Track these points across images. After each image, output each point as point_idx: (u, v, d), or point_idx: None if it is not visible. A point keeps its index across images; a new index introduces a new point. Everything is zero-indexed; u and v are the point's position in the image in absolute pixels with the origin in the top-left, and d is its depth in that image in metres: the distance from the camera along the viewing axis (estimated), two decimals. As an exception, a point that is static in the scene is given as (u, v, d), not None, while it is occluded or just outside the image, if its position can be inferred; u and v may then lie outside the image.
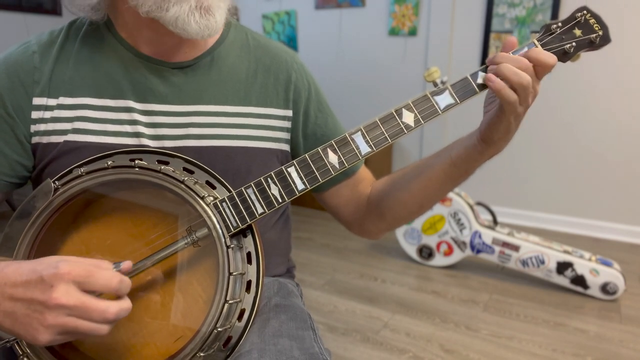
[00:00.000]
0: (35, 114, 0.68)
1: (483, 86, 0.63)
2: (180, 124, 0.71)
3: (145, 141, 0.70)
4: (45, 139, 0.68)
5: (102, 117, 0.69)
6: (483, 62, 2.88)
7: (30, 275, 0.49)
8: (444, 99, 0.63)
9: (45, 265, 0.49)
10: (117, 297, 0.53)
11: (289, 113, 0.78)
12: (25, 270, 0.50)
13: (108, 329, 0.51)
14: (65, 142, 0.68)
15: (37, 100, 0.68)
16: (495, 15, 2.69)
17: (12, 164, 0.69)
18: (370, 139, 0.63)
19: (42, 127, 0.68)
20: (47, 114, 0.68)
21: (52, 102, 0.68)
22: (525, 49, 0.63)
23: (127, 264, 0.55)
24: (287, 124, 0.78)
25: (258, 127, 0.75)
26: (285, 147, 0.79)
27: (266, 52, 0.79)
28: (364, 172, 0.84)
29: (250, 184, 0.63)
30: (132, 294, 0.64)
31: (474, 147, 0.67)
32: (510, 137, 0.66)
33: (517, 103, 0.60)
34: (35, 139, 0.69)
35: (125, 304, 0.52)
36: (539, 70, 0.61)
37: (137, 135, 0.70)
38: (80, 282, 0.49)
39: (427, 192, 0.73)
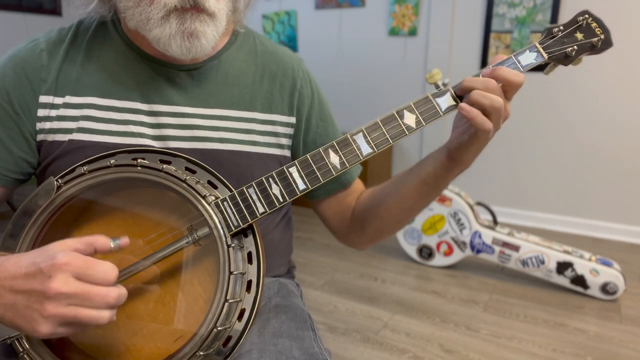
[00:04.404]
0: (41, 112, 0.68)
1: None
2: (185, 126, 0.71)
3: (150, 142, 0.70)
4: (50, 137, 0.69)
5: (107, 117, 0.69)
6: (483, 62, 2.87)
7: (29, 267, 0.50)
8: (445, 101, 0.64)
9: (44, 256, 0.50)
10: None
11: (293, 120, 0.78)
12: (24, 263, 0.50)
13: (109, 316, 0.51)
14: (70, 140, 0.68)
15: (43, 98, 0.68)
16: (495, 15, 2.69)
17: (17, 161, 0.69)
18: (371, 139, 0.63)
19: (47, 125, 0.69)
20: (53, 112, 0.69)
21: (58, 100, 0.69)
22: (527, 52, 0.64)
23: (124, 240, 0.55)
24: (290, 131, 0.78)
25: (262, 132, 0.75)
26: (288, 153, 0.79)
27: (273, 58, 0.79)
28: (357, 184, 0.84)
29: (252, 184, 0.63)
30: (133, 293, 0.64)
31: (441, 165, 0.68)
32: (477, 155, 0.66)
33: (491, 130, 0.60)
34: (40, 137, 0.69)
35: (123, 289, 0.53)
36: (508, 89, 0.61)
37: (142, 135, 0.70)
38: (79, 273, 0.49)
39: (402, 208, 0.74)
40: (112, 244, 0.54)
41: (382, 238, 0.80)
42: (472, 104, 0.59)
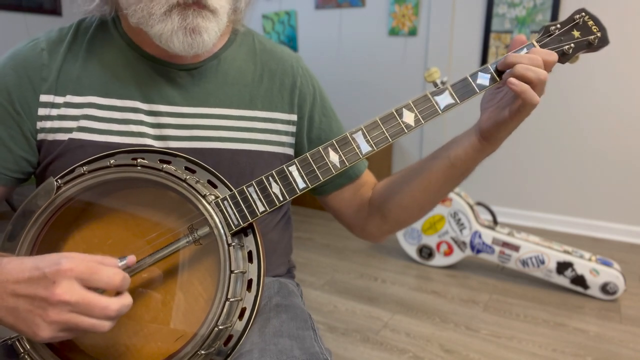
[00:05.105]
0: (41, 111, 0.68)
1: (483, 86, 0.64)
2: (185, 125, 0.71)
3: (150, 141, 0.70)
4: (50, 136, 0.69)
5: (107, 117, 0.69)
6: (483, 62, 2.87)
7: (33, 272, 0.49)
8: (444, 99, 0.64)
9: (48, 261, 0.50)
10: (116, 293, 0.53)
11: (294, 117, 0.78)
12: (27, 267, 0.50)
13: (109, 325, 0.51)
14: (71, 140, 0.68)
15: (44, 98, 0.68)
16: (495, 15, 2.70)
17: (17, 159, 0.69)
18: (370, 138, 0.64)
19: (48, 124, 0.69)
20: (54, 112, 0.69)
21: (59, 99, 0.69)
22: (525, 50, 0.64)
23: (131, 258, 0.55)
24: (291, 129, 0.78)
25: (263, 131, 0.75)
26: (290, 151, 0.79)
27: (272, 57, 0.79)
28: (367, 176, 0.84)
29: (252, 183, 0.63)
30: (133, 293, 0.64)
31: (473, 146, 0.67)
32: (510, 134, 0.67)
33: (537, 102, 0.60)
34: (40, 136, 0.69)
35: (126, 299, 0.52)
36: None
37: (142, 135, 0.70)
38: (83, 278, 0.49)
39: (428, 194, 0.74)
40: (119, 263, 0.54)
41: (405, 226, 0.80)
42: (517, 78, 0.59)
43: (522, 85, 0.59)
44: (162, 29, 0.63)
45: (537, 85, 0.60)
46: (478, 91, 0.64)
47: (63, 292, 0.48)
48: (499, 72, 0.64)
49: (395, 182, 0.77)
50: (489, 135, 0.66)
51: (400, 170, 0.78)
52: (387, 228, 0.80)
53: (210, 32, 0.65)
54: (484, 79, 0.64)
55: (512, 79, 0.60)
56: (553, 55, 0.61)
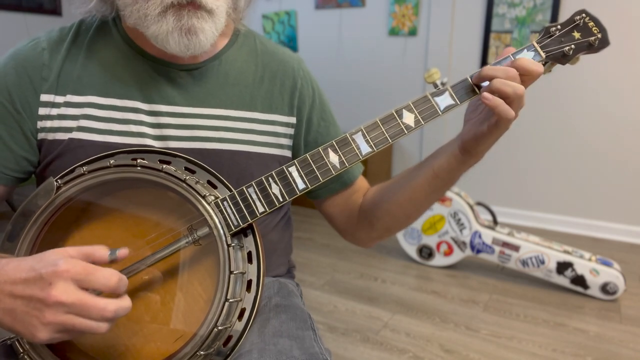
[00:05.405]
0: (42, 111, 0.68)
1: (483, 87, 0.64)
2: (185, 126, 0.71)
3: (150, 142, 0.70)
4: (50, 136, 0.69)
5: (107, 117, 0.70)
6: (483, 62, 2.86)
7: (30, 273, 0.49)
8: (444, 100, 0.64)
9: (45, 262, 0.49)
10: (116, 295, 0.53)
11: (293, 120, 0.78)
12: (24, 268, 0.50)
13: (107, 327, 0.51)
14: (71, 139, 0.68)
15: (44, 97, 0.68)
16: (495, 15, 2.69)
17: (17, 159, 0.69)
18: (370, 139, 0.63)
19: (48, 123, 0.69)
20: (54, 111, 0.69)
21: (59, 99, 0.69)
22: (525, 51, 0.64)
23: (123, 252, 0.54)
24: (290, 131, 0.78)
25: (262, 132, 0.75)
26: (288, 153, 0.79)
27: (273, 58, 0.79)
28: (361, 182, 0.84)
29: (251, 183, 0.63)
30: (133, 293, 0.65)
31: (455, 157, 0.67)
32: (491, 147, 0.66)
33: (513, 117, 0.60)
34: (41, 135, 0.69)
35: (125, 302, 0.52)
36: (525, 79, 0.61)
37: (142, 135, 0.70)
38: (79, 280, 0.49)
39: (413, 203, 0.74)
40: (109, 257, 0.53)
41: (392, 234, 0.80)
42: (493, 92, 0.59)
43: (496, 100, 0.58)
44: (157, 29, 0.63)
45: (514, 100, 0.59)
46: (478, 92, 0.64)
47: (59, 293, 0.48)
48: (478, 86, 0.63)
49: (384, 191, 0.78)
50: (470, 148, 0.65)
51: (391, 179, 0.78)
52: (375, 235, 0.80)
53: (207, 33, 0.65)
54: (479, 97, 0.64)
55: (486, 94, 0.59)
56: (538, 66, 0.60)
